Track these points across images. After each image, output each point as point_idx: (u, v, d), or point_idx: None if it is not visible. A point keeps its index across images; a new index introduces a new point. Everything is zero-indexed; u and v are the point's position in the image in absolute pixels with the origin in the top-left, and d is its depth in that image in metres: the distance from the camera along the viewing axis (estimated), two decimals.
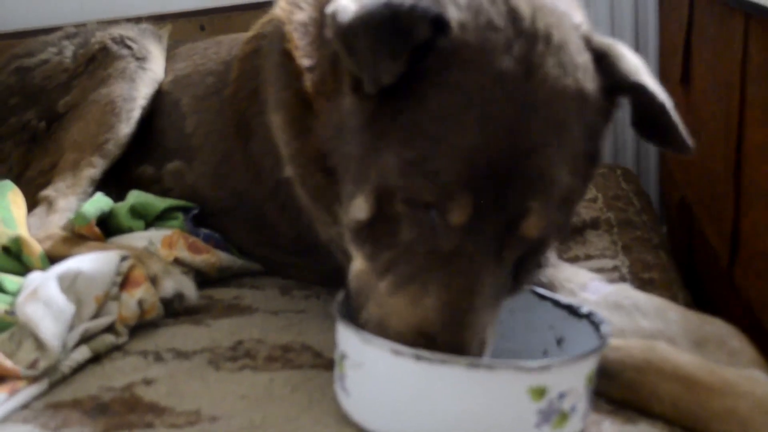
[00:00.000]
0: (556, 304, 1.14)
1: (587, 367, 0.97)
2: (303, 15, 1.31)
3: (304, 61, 1.26)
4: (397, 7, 0.91)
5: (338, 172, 1.11)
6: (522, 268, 1.01)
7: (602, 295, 1.29)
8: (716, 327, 1.18)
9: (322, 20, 1.23)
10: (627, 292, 1.29)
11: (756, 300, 1.33)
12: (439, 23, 0.94)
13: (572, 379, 0.94)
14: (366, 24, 0.92)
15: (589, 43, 1.02)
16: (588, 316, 1.10)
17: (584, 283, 1.33)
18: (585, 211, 1.78)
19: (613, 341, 1.11)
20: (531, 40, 0.95)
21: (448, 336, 0.92)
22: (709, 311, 1.25)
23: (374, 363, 0.95)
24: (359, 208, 1.00)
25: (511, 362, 0.94)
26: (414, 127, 0.94)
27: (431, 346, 0.92)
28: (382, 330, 0.96)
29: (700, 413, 1.02)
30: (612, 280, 1.39)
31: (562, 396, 0.94)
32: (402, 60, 0.93)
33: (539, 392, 0.92)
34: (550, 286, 1.31)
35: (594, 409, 1.06)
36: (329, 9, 0.98)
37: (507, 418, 0.92)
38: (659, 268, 1.53)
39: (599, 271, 1.45)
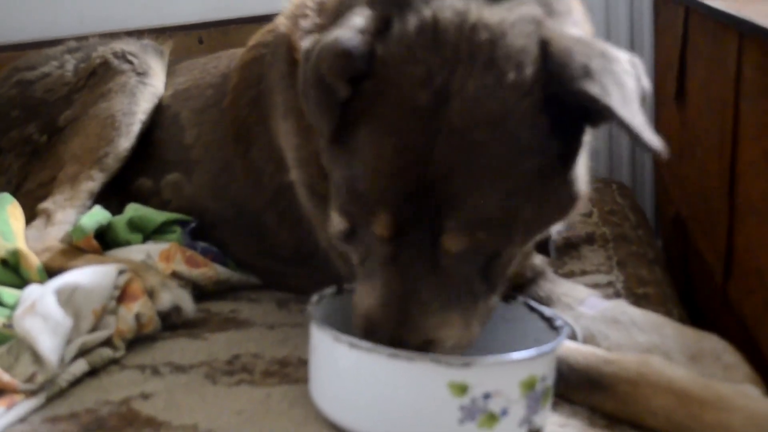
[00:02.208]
0: (541, 316, 1.17)
1: (519, 372, 0.99)
2: (307, 22, 1.33)
3: None
4: (321, 68, 1.00)
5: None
6: (489, 273, 1.04)
7: (599, 311, 1.30)
8: (711, 342, 1.20)
9: (326, 26, 1.25)
10: (624, 308, 1.30)
11: (749, 316, 1.34)
12: (360, 76, 1.00)
13: (499, 381, 0.98)
14: (307, 83, 1.04)
15: (545, 48, 0.98)
16: (558, 330, 1.12)
17: (582, 298, 1.34)
18: (580, 226, 1.79)
19: (608, 355, 1.12)
20: (452, 67, 0.97)
21: (385, 329, 1.01)
22: (703, 326, 1.26)
23: (322, 348, 1.05)
24: (336, 222, 1.08)
25: (434, 356, 0.99)
26: (351, 152, 1.02)
27: (376, 335, 1.02)
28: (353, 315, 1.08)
29: (693, 427, 1.03)
30: (607, 296, 1.40)
31: (487, 396, 0.97)
32: (333, 115, 1.02)
33: (460, 388, 0.96)
34: (548, 301, 1.32)
35: (588, 423, 1.07)
36: (302, 49, 1.08)
37: (429, 410, 0.97)
38: (654, 284, 1.54)
39: (594, 286, 1.45)
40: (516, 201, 0.98)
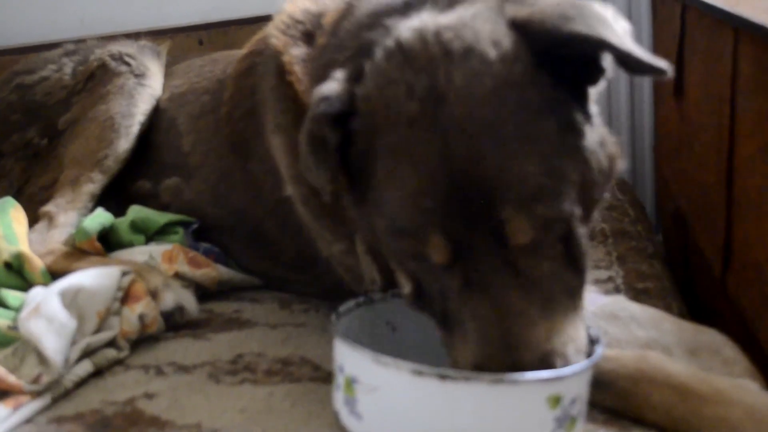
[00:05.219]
0: None
1: (588, 373, 0.99)
2: (300, 51, 1.33)
3: (306, 96, 1.26)
4: (310, 122, 1.01)
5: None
6: (571, 258, 0.98)
7: (599, 306, 1.30)
8: (710, 336, 1.20)
9: (315, 56, 1.27)
10: (623, 303, 1.30)
11: (748, 309, 1.35)
12: (346, 114, 1.00)
13: (580, 386, 0.97)
14: (305, 152, 1.03)
15: (514, 23, 0.98)
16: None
17: None
18: None
19: (607, 351, 1.13)
20: (430, 70, 0.96)
21: (500, 366, 0.92)
22: (703, 320, 1.27)
23: (392, 386, 0.94)
24: (403, 285, 1.04)
25: (528, 374, 0.93)
26: (375, 198, 1.00)
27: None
28: None
29: (692, 421, 1.03)
30: (607, 291, 1.41)
31: (573, 402, 0.95)
32: (331, 167, 1.02)
33: (556, 400, 0.93)
34: None
35: (588, 419, 1.08)
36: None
37: (528, 428, 0.94)
38: (654, 278, 1.54)
39: (594, 282, 1.46)
40: (555, 161, 0.94)
